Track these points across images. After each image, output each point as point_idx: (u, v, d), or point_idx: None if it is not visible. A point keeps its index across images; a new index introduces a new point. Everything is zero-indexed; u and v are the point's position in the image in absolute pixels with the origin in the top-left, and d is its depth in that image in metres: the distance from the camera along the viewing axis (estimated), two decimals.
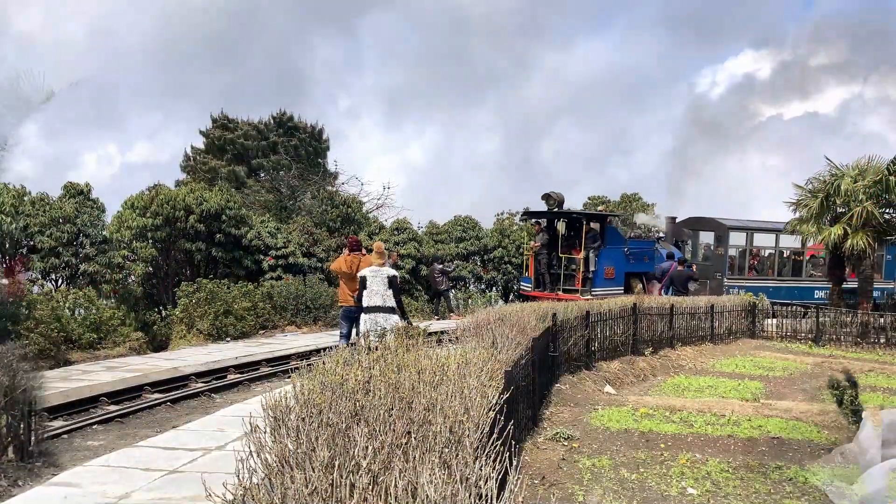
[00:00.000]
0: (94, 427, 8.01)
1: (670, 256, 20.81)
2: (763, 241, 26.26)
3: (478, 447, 3.38)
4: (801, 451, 7.69)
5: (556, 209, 21.38)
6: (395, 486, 2.85)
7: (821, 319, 18.67)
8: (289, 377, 6.29)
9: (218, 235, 21.35)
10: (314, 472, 3.14)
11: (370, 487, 2.95)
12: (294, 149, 37.60)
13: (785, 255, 26.46)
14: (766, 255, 26.53)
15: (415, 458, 3.15)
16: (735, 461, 7.18)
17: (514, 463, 3.10)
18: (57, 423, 8.27)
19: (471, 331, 8.22)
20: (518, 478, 2.96)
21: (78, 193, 18.92)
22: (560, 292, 20.22)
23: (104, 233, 18.84)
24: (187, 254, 21.44)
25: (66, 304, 14.95)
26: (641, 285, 21.62)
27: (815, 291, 25.06)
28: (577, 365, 11.67)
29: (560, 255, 20.98)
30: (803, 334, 18.74)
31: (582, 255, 20.44)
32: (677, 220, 25.36)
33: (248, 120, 38.78)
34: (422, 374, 4.44)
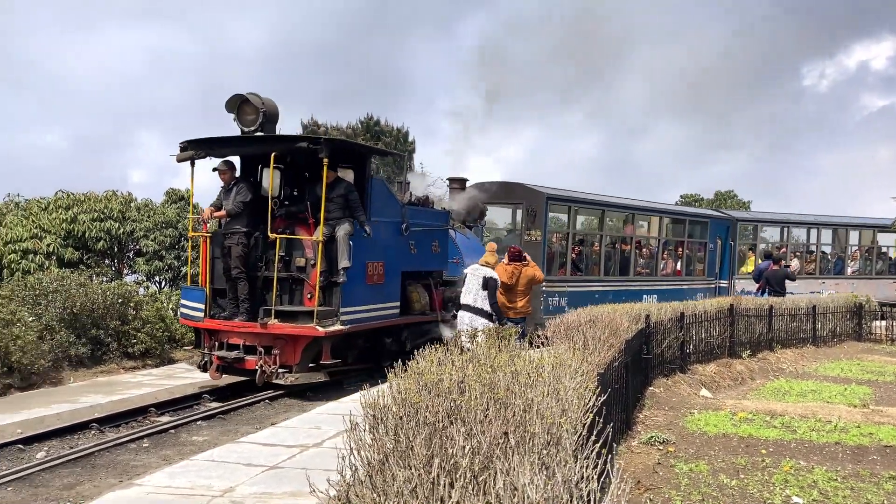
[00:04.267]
0: (198, 423, 8.37)
1: (768, 256, 19.44)
2: (588, 223, 19.28)
3: (576, 449, 3.35)
4: None
5: (257, 131, 10.15)
6: (496, 485, 2.86)
7: None
8: (380, 379, 6.40)
9: None
10: (414, 470, 3.18)
11: (470, 486, 2.96)
12: None
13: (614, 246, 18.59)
14: (591, 245, 18.02)
15: (513, 458, 3.15)
16: (844, 470, 6.84)
17: (617, 466, 3.05)
18: (164, 419, 8.67)
19: (561, 333, 8.14)
20: (621, 482, 2.91)
21: (179, 199, 19.82)
22: (267, 322, 9.78)
23: None
24: None
25: (170, 305, 15.67)
26: (428, 296, 12.13)
27: (644, 296, 17.43)
28: (671, 367, 11.38)
29: (270, 237, 10.04)
30: None
31: (320, 233, 9.92)
32: (468, 186, 15.13)
33: (337, 125, 39.62)
34: (516, 374, 4.43)
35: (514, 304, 10.45)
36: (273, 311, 9.84)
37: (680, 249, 20.30)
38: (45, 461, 6.69)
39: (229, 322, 10.20)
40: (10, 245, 14.26)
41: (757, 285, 18.57)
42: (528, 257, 11.13)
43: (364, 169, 10.87)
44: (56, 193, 15.71)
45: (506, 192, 16.23)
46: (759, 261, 20.17)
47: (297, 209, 10.71)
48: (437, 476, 3.07)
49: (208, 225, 11.07)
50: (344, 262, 9.97)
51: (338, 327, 10.03)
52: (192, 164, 10.40)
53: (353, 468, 3.48)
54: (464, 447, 3.36)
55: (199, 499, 5.40)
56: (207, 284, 10.51)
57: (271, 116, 10.22)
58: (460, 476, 3.04)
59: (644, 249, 19.36)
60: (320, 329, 9.71)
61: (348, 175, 10.94)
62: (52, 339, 11.00)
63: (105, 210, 18.37)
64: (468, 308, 9.81)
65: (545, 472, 3.01)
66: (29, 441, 7.53)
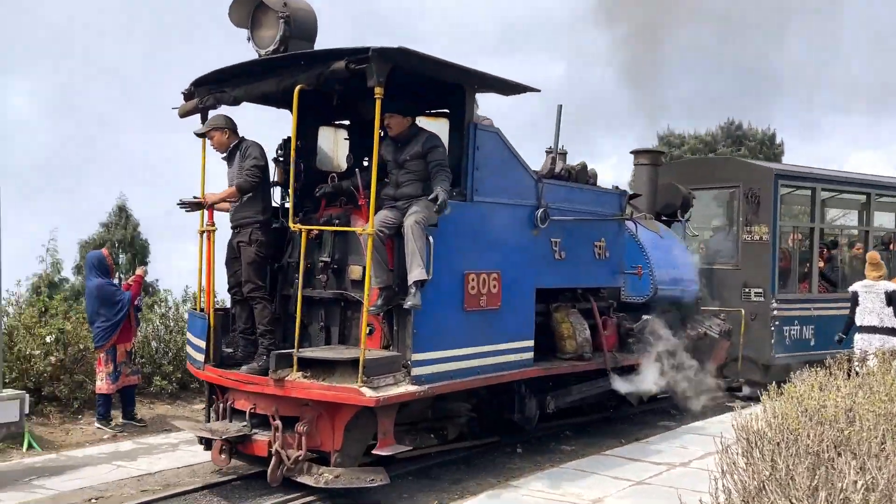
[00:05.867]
0: (566, 433, 8.58)
1: None
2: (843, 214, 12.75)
3: None
4: None
5: (278, 52, 6.02)
6: None
7: None
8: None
9: None
10: (795, 501, 2.98)
11: None
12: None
13: None
14: (849, 247, 12.58)
15: None
16: None
17: None
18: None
19: None
20: None
21: None
22: (285, 376, 5.70)
23: None
24: None
25: None
26: (587, 329, 7.59)
27: None
28: None
29: (293, 228, 6.06)
30: None
31: (370, 223, 5.66)
32: (665, 161, 11.34)
33: (695, 132, 38.04)
34: None
35: None
36: (295, 358, 5.78)
37: None
38: (435, 458, 7.20)
39: (231, 373, 6.24)
40: None
41: None
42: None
43: (462, 113, 6.33)
44: None
45: (712, 172, 11.42)
46: None
47: (352, 183, 6.47)
48: None
49: (214, 212, 6.62)
50: (417, 273, 5.66)
51: (405, 389, 5.67)
52: (204, 117, 6.65)
53: (727, 491, 3.35)
54: (855, 482, 3.05)
55: None
56: (210, 308, 6.60)
57: (302, 29, 6.10)
58: None
59: None
60: (368, 394, 5.40)
61: (436, 124, 6.90)
62: None
63: None
64: (873, 329, 8.74)
65: None
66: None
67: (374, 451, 5.76)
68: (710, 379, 9.15)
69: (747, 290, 10.72)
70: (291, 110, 6.10)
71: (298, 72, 5.89)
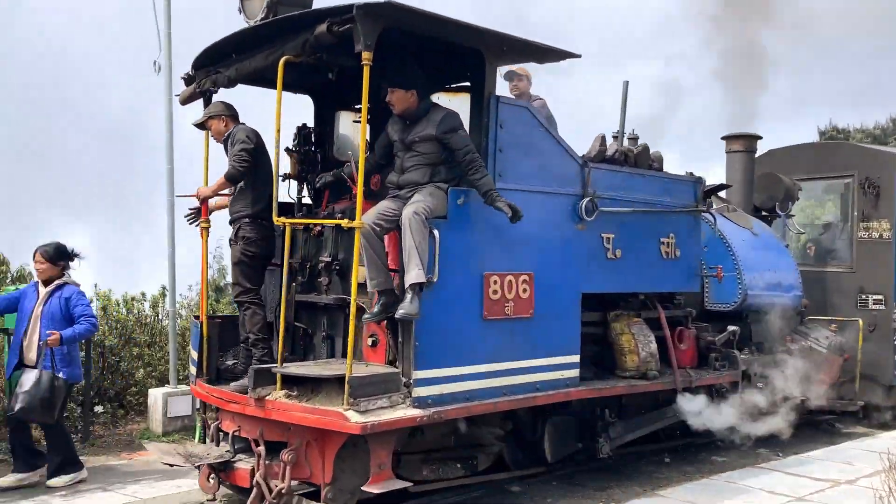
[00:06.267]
0: (717, 443, 7.93)
1: None
2: None
3: None
4: None
5: (270, 15, 5.04)
6: None
7: None
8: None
9: None
10: None
11: None
12: None
13: None
14: None
15: None
16: None
17: None
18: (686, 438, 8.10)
19: None
20: None
21: None
22: (266, 395, 4.87)
23: None
24: None
25: None
26: (653, 342, 6.42)
27: None
28: None
29: (276, 222, 5.20)
30: None
31: (357, 214, 4.72)
32: (759, 151, 9.44)
33: (861, 126, 35.49)
34: None
35: None
36: (278, 375, 4.93)
37: None
38: (581, 464, 6.80)
39: (216, 390, 5.48)
40: None
41: None
42: None
43: (482, 85, 5.30)
44: None
45: (822, 159, 9.82)
46: None
47: (343, 170, 5.71)
48: None
49: (210, 207, 5.92)
50: (414, 274, 4.73)
51: (403, 413, 4.72)
52: (207, 103, 5.90)
53: None
54: None
55: None
56: (204, 313, 5.85)
57: None
58: None
59: None
60: (353, 418, 4.48)
61: (457, 100, 5.81)
62: None
63: None
64: None
65: None
66: None
67: (363, 488, 4.81)
68: (814, 401, 7.97)
69: (864, 296, 9.22)
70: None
71: (285, 42, 5.05)
